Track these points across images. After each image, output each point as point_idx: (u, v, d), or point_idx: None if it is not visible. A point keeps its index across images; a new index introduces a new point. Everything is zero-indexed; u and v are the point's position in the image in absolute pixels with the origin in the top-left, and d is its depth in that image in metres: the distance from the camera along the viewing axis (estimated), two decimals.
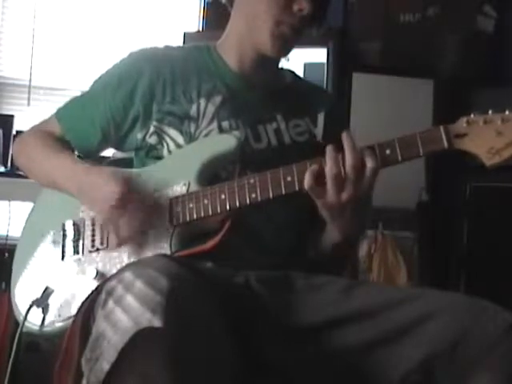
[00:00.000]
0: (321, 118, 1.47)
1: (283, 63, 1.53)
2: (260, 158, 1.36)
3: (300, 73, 1.58)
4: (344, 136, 1.19)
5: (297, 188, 1.21)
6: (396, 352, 1.12)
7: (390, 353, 1.12)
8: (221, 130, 1.37)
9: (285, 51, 1.42)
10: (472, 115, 1.14)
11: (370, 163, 1.16)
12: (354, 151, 1.17)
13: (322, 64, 2.99)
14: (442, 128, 1.14)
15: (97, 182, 1.33)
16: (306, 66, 2.92)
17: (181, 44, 2.95)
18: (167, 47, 1.51)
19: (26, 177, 1.58)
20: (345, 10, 3.29)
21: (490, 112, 1.13)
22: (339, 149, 1.19)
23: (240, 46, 1.43)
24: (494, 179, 2.77)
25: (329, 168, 1.18)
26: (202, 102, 1.40)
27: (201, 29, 3.36)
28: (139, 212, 1.28)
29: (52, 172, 1.43)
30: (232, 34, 1.46)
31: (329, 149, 1.19)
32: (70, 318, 1.24)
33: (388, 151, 1.16)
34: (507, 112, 1.11)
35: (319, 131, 1.46)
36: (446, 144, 1.13)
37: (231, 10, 1.46)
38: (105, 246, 1.33)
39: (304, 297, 1.20)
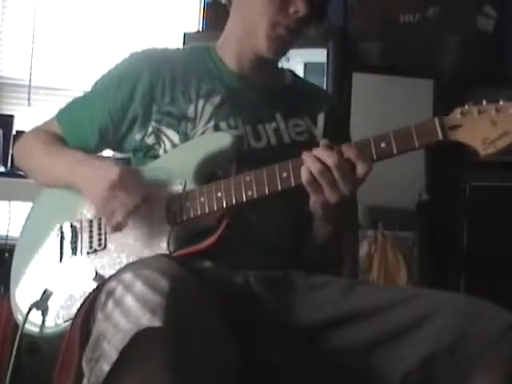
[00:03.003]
0: (321, 118, 1.47)
1: (283, 63, 1.53)
2: (259, 158, 1.36)
3: (300, 73, 1.58)
4: (317, 149, 1.18)
5: (293, 184, 1.21)
6: (396, 352, 1.12)
7: (389, 353, 1.12)
8: (217, 130, 1.37)
9: (281, 52, 1.42)
10: (466, 106, 1.14)
11: (360, 166, 1.16)
12: (330, 152, 1.17)
13: (322, 64, 2.99)
14: (436, 119, 1.14)
15: (97, 167, 1.33)
16: (306, 66, 2.92)
17: (181, 44, 2.95)
18: (167, 48, 1.51)
19: (25, 177, 1.58)
20: (345, 10, 3.29)
21: (484, 102, 1.13)
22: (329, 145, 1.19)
23: (238, 47, 1.44)
24: (494, 179, 2.77)
25: (311, 165, 1.17)
26: (201, 102, 1.40)
27: (201, 29, 3.36)
28: (133, 195, 1.27)
29: (54, 167, 1.43)
30: (230, 35, 1.46)
31: (305, 154, 1.19)
32: (69, 319, 1.24)
33: (383, 144, 1.16)
34: (501, 102, 1.11)
35: (319, 131, 1.46)
36: (440, 136, 1.13)
37: (230, 10, 1.46)
38: (103, 247, 1.33)
39: (303, 297, 1.20)
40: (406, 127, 1.16)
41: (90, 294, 1.11)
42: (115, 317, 0.97)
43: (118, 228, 1.30)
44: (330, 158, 1.16)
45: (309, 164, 1.18)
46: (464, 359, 1.07)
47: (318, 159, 1.17)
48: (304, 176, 1.18)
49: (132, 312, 0.96)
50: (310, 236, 1.36)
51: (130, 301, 0.97)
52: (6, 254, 2.38)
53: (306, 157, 1.19)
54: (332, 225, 1.30)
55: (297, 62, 2.74)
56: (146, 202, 1.29)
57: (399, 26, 3.30)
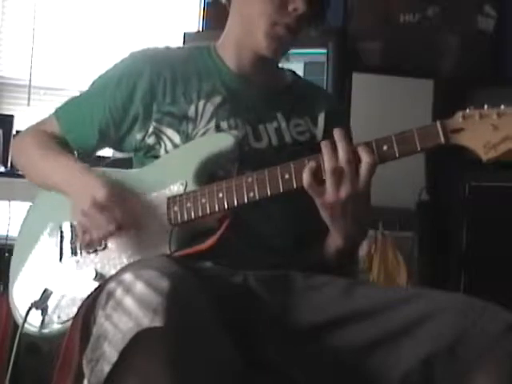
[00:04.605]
0: (321, 118, 1.47)
1: (283, 63, 1.53)
2: (260, 158, 1.36)
3: (300, 73, 1.58)
4: (336, 132, 1.19)
5: (294, 186, 1.21)
6: (396, 352, 1.11)
7: (389, 353, 1.12)
8: (218, 130, 1.37)
9: (281, 51, 1.42)
10: (468, 110, 1.14)
11: (365, 158, 1.16)
12: (346, 145, 1.17)
13: (322, 64, 2.99)
14: (438, 123, 1.14)
15: (87, 183, 1.32)
16: (306, 66, 2.92)
17: (181, 44, 2.95)
18: (168, 48, 1.51)
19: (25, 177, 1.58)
20: (345, 10, 3.29)
21: (485, 107, 1.13)
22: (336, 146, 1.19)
23: (238, 46, 1.44)
24: (494, 178, 2.77)
25: (326, 162, 1.17)
26: (201, 102, 1.40)
27: (201, 29, 3.36)
28: (111, 223, 1.26)
29: (49, 174, 1.43)
30: (230, 34, 1.46)
31: (324, 144, 1.19)
32: (69, 319, 1.24)
33: (385, 147, 1.16)
34: (502, 107, 1.12)
35: (319, 132, 1.46)
36: (442, 139, 1.13)
37: (230, 9, 1.46)
38: (103, 246, 1.33)
39: (303, 297, 1.20)
40: (407, 130, 1.16)
41: (91, 294, 1.11)
42: (116, 317, 0.97)
43: (88, 246, 1.31)
44: (343, 152, 1.17)
45: (325, 157, 1.18)
46: (464, 359, 1.07)
47: (334, 157, 1.17)
48: (307, 180, 1.18)
49: (132, 312, 0.96)
50: (321, 244, 1.35)
51: (130, 301, 0.97)
52: (6, 254, 2.39)
53: (323, 146, 1.19)
54: (343, 234, 1.29)
55: (297, 62, 2.74)
56: (123, 229, 1.28)
57: (399, 25, 3.30)
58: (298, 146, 1.40)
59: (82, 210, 1.28)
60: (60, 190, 1.40)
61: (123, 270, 1.05)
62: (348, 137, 1.20)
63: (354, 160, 1.17)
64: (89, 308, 1.09)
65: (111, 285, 1.02)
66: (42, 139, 1.48)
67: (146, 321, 0.94)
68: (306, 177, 1.19)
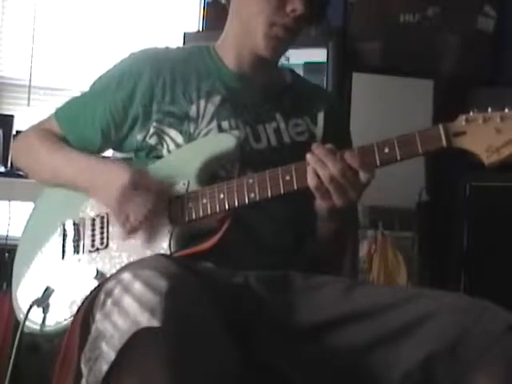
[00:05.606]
0: (320, 117, 1.47)
1: (283, 63, 1.53)
2: (260, 158, 1.36)
3: (300, 73, 1.58)
4: (314, 147, 1.19)
5: (295, 187, 1.21)
6: (396, 352, 1.11)
7: (389, 353, 1.12)
8: (220, 130, 1.37)
9: (279, 52, 1.42)
10: (471, 113, 1.14)
11: (361, 171, 1.17)
12: (333, 161, 1.17)
13: (322, 64, 2.99)
14: (441, 126, 1.14)
15: (110, 171, 1.33)
16: (306, 66, 2.92)
17: (181, 44, 2.95)
18: (167, 48, 1.51)
19: (25, 177, 1.58)
20: (345, 10, 3.29)
21: (489, 110, 1.13)
22: (332, 150, 1.19)
23: (237, 46, 1.44)
24: (494, 179, 2.77)
25: (320, 172, 1.18)
26: (202, 102, 1.40)
27: (201, 29, 3.36)
28: (148, 197, 1.28)
29: (60, 169, 1.42)
30: (229, 34, 1.46)
31: (309, 157, 1.19)
32: (70, 317, 1.24)
33: (387, 150, 1.16)
34: (506, 110, 1.11)
35: (319, 131, 1.46)
36: (444, 142, 1.13)
37: (229, 9, 1.46)
38: (105, 245, 1.33)
39: (304, 297, 1.20)
40: (409, 133, 1.16)
41: (90, 293, 1.11)
42: (114, 317, 0.97)
43: (132, 231, 1.30)
44: (334, 166, 1.16)
45: (317, 169, 1.18)
46: (464, 359, 1.07)
47: (326, 165, 1.17)
48: (312, 181, 1.18)
49: (130, 312, 0.96)
50: (313, 235, 1.36)
51: (128, 301, 0.97)
52: (7, 254, 2.39)
53: (312, 162, 1.19)
54: (335, 223, 1.30)
55: (297, 61, 2.74)
56: (162, 197, 1.29)
57: (399, 26, 3.30)
58: (297, 146, 1.40)
59: (117, 198, 1.28)
60: (74, 184, 1.40)
61: (122, 269, 1.05)
62: (336, 148, 1.19)
63: (349, 170, 1.17)
64: (88, 307, 1.09)
65: (109, 284, 1.02)
66: (47, 136, 1.48)
67: (144, 320, 0.94)
68: (310, 178, 1.19)
